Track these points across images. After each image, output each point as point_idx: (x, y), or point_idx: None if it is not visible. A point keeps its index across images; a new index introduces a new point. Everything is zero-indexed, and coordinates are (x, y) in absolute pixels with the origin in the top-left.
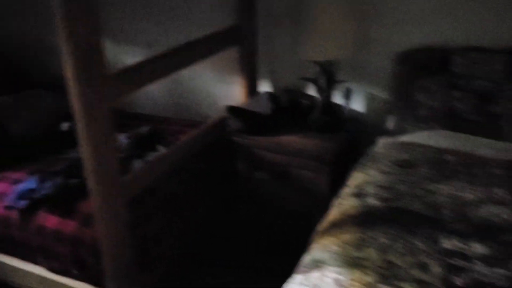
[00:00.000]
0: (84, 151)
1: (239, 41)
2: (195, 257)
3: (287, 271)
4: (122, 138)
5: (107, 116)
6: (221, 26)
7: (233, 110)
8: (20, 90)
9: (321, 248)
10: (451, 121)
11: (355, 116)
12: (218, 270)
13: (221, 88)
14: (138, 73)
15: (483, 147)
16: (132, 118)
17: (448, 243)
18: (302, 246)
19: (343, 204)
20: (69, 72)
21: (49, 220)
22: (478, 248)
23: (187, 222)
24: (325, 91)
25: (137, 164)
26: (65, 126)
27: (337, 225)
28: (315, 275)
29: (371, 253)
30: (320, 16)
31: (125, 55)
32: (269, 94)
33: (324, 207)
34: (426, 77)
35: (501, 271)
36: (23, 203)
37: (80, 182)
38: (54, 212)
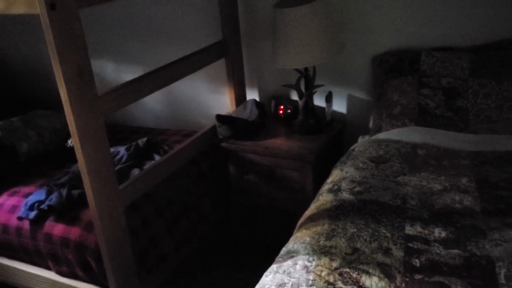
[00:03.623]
0: (81, 164)
1: (225, 55)
2: (196, 259)
3: None
4: (122, 150)
5: (100, 131)
6: (209, 41)
7: (221, 118)
8: (26, 111)
9: (295, 240)
10: (422, 117)
11: (337, 118)
12: (218, 270)
13: (214, 98)
14: (127, 91)
15: (452, 140)
16: (134, 132)
17: (412, 229)
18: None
19: (320, 199)
20: (62, 94)
21: (56, 228)
22: (438, 232)
23: (185, 225)
24: (305, 96)
25: (135, 173)
26: (69, 142)
27: (312, 219)
28: (288, 264)
29: (340, 241)
30: (295, 27)
31: (125, 74)
32: (255, 101)
33: (308, 204)
34: (399, 77)
35: (456, 251)
36: (33, 214)
37: (82, 192)
38: (60, 221)
